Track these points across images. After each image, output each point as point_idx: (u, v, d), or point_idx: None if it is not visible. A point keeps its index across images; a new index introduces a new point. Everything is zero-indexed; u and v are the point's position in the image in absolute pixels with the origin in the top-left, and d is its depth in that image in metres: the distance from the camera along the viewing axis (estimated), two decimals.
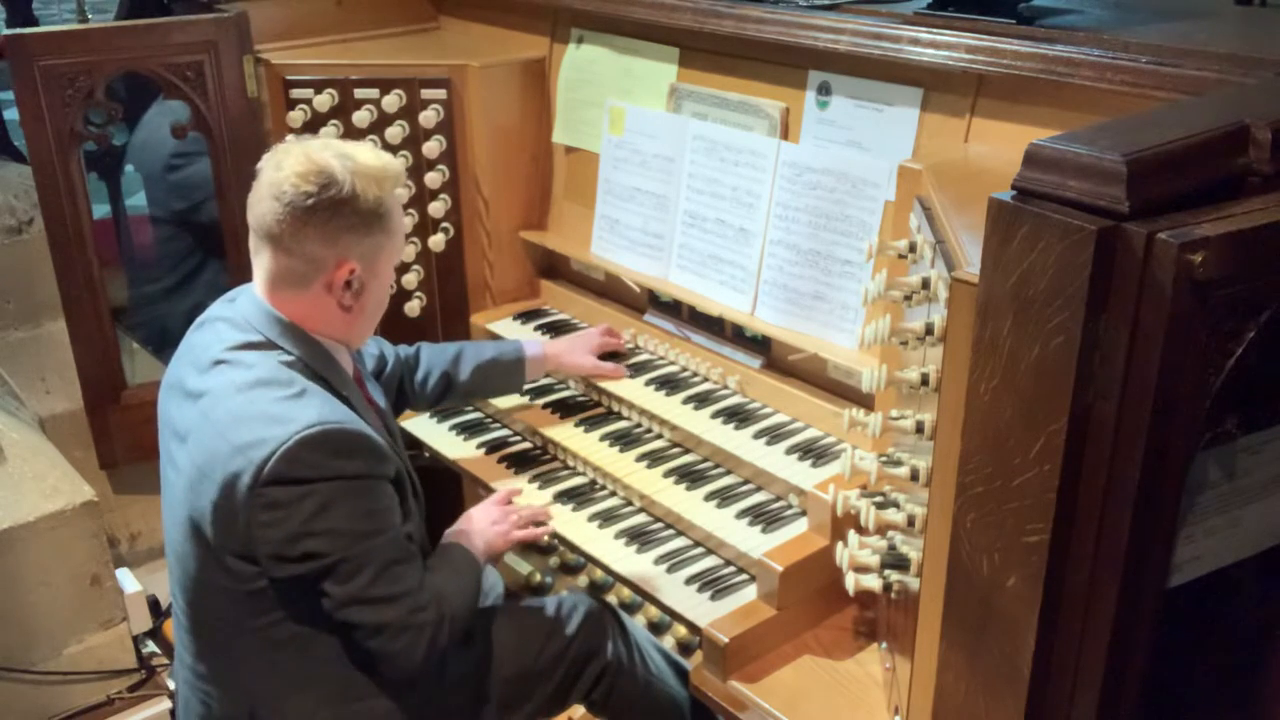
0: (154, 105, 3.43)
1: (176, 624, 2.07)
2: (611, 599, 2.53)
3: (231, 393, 1.85)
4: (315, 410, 1.83)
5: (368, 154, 1.92)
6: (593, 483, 2.49)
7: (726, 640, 1.97)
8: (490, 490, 2.47)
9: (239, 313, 1.95)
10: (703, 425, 2.44)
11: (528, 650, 2.22)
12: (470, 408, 2.79)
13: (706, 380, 2.59)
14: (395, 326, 3.00)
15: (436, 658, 1.96)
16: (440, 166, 2.90)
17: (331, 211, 1.85)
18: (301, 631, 1.92)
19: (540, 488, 2.48)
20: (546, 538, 2.37)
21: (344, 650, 1.95)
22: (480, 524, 2.22)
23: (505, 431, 2.72)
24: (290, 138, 1.93)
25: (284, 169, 1.86)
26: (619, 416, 2.61)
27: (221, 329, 1.94)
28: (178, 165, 3.31)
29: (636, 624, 2.44)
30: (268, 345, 1.90)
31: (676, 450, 2.48)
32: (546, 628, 2.26)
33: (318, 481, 1.80)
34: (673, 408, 2.51)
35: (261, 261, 1.93)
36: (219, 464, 1.81)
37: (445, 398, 2.54)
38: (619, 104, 2.73)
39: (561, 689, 2.26)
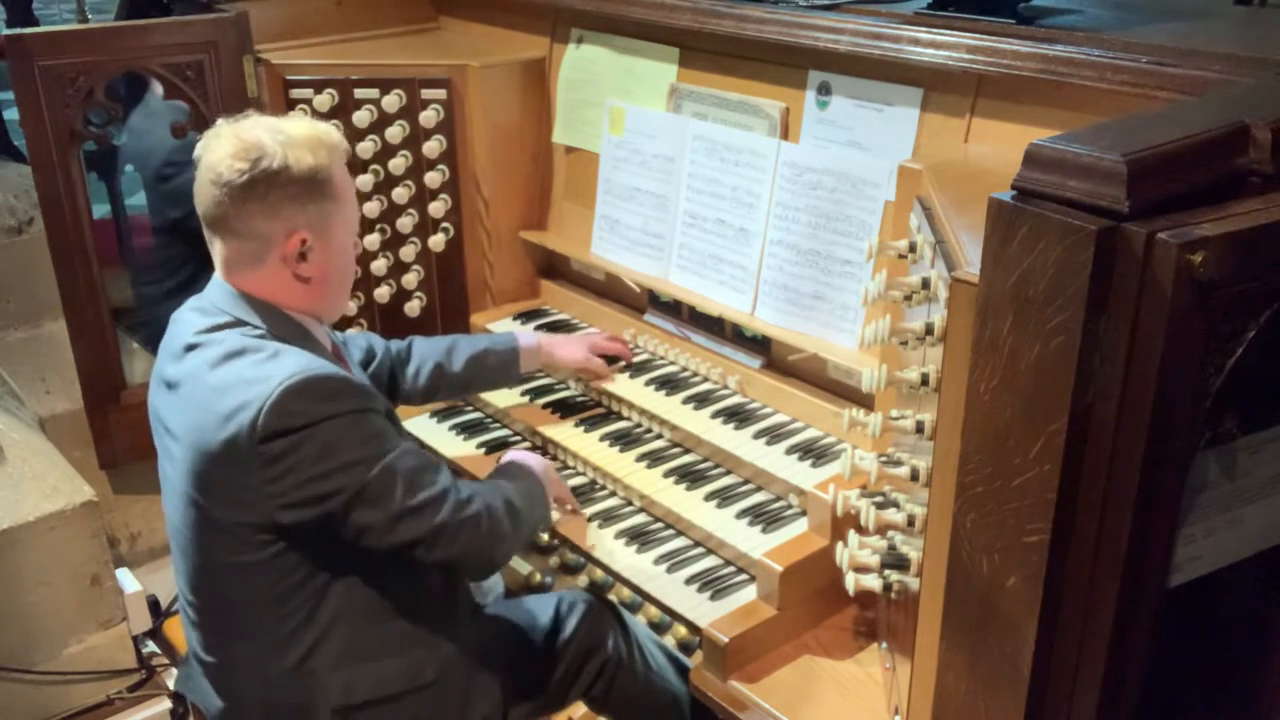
0: (136, 110, 3.42)
1: (186, 621, 2.07)
2: (611, 599, 2.53)
3: (206, 370, 1.87)
4: (292, 363, 1.84)
5: (300, 125, 1.93)
6: (593, 483, 2.49)
7: (726, 640, 1.98)
8: None
9: (206, 300, 1.97)
10: (703, 425, 2.44)
11: (530, 645, 2.23)
12: (470, 407, 2.79)
13: (706, 380, 2.59)
14: (395, 326, 3.00)
15: (509, 550, 2.04)
16: (440, 166, 2.90)
17: (268, 185, 1.86)
18: (313, 598, 1.93)
19: None
20: (546, 536, 2.38)
21: (353, 613, 1.96)
22: (535, 462, 2.28)
23: (505, 431, 2.72)
24: (220, 121, 1.95)
25: (217, 152, 1.87)
26: (619, 416, 2.61)
27: (191, 318, 1.96)
28: (168, 175, 3.31)
29: (637, 621, 2.45)
30: (236, 324, 1.92)
31: (676, 450, 2.48)
32: (547, 624, 2.26)
33: (312, 426, 1.81)
34: (673, 408, 2.51)
35: (216, 249, 1.95)
36: (211, 437, 1.82)
37: (438, 390, 2.53)
38: (619, 104, 2.73)
39: (562, 685, 2.26)
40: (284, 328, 1.94)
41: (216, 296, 1.95)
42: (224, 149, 1.87)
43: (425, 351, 2.50)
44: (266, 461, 1.80)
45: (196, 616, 2.03)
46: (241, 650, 1.99)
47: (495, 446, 2.65)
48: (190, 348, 1.91)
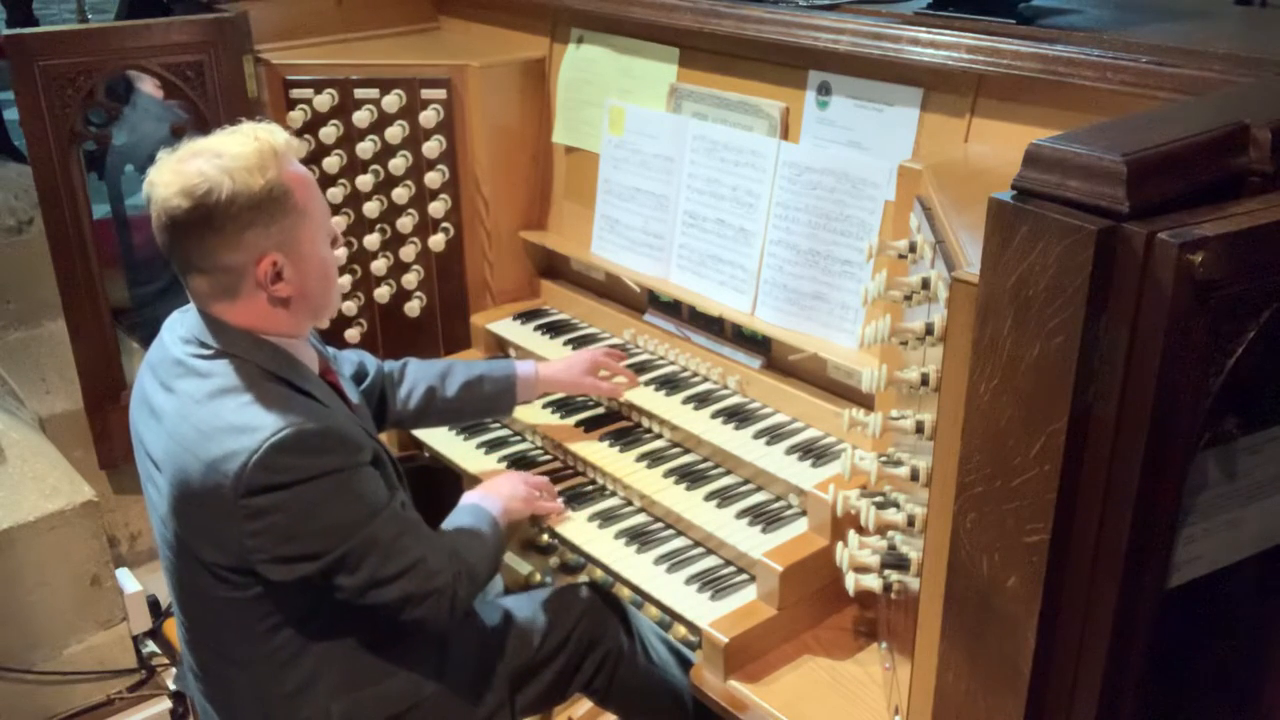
0: (126, 107, 3.43)
1: (181, 637, 2.06)
2: (614, 593, 2.53)
3: (191, 407, 1.83)
4: (279, 413, 1.79)
5: (239, 140, 1.82)
6: (592, 482, 2.49)
7: (726, 640, 1.98)
8: None
9: (189, 329, 1.91)
10: (703, 425, 2.44)
11: (530, 638, 2.23)
12: None
13: (706, 380, 2.59)
14: (395, 326, 3.00)
15: (463, 611, 2.04)
16: (440, 166, 2.89)
17: (225, 217, 1.78)
18: (304, 629, 1.93)
19: None
20: (546, 536, 2.37)
21: (347, 640, 1.96)
22: (503, 488, 2.27)
23: (505, 432, 2.72)
24: (162, 154, 1.84)
25: (162, 191, 1.79)
26: (619, 416, 2.61)
27: (176, 343, 1.91)
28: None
29: (640, 614, 2.44)
30: (220, 354, 1.86)
31: (676, 450, 2.48)
32: (549, 616, 2.26)
33: (299, 484, 1.78)
34: (673, 408, 2.51)
35: (188, 285, 1.88)
36: (195, 483, 1.79)
37: (428, 414, 2.46)
38: (619, 104, 2.73)
39: (563, 677, 2.26)
40: (266, 356, 1.88)
41: (196, 327, 1.89)
42: (168, 187, 1.78)
43: (419, 374, 2.45)
44: (249, 515, 1.78)
45: (188, 634, 2.02)
46: (235, 674, 1.98)
47: (494, 446, 2.65)
48: (176, 375, 1.87)
